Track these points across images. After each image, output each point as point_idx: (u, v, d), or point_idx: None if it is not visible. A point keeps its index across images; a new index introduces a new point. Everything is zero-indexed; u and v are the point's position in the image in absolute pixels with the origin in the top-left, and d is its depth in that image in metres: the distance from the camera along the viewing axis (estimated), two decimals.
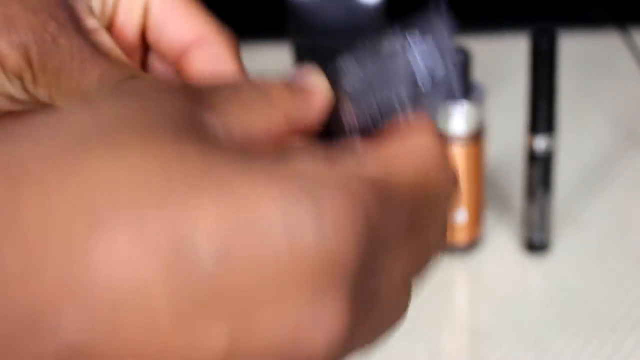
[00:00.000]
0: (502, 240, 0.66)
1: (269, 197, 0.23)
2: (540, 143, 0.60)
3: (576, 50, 0.83)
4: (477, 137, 0.60)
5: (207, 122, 0.25)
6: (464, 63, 0.58)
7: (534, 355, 0.59)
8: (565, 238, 0.66)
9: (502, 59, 0.82)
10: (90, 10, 0.34)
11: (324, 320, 0.24)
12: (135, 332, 0.23)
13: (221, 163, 0.24)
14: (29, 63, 0.32)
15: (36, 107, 0.34)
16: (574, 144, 0.73)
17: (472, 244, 0.64)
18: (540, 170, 0.61)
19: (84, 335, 0.23)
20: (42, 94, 0.33)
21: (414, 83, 0.34)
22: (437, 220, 0.29)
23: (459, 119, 0.59)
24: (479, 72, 0.80)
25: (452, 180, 0.29)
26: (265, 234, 0.23)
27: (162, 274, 0.22)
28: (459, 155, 0.61)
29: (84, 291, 0.22)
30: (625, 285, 0.63)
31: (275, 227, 0.23)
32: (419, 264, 0.29)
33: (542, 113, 0.59)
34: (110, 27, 0.34)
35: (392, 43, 0.35)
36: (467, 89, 0.59)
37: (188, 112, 0.25)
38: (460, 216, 0.63)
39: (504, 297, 0.62)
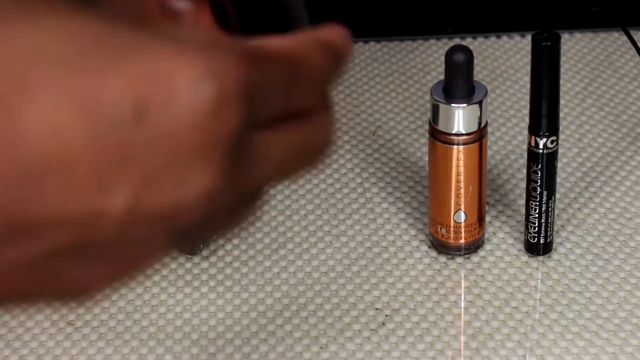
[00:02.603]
0: (503, 241, 0.66)
1: (175, 64, 0.26)
2: (542, 143, 0.60)
3: (578, 50, 0.83)
4: (478, 137, 0.60)
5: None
6: (465, 63, 0.58)
7: (536, 357, 0.59)
8: (567, 238, 0.66)
9: (502, 59, 0.82)
10: None
11: (201, 178, 0.27)
12: (56, 194, 0.25)
13: (129, 33, 0.26)
14: None
15: None
16: (575, 144, 0.73)
17: (472, 244, 0.64)
18: (541, 170, 0.60)
19: (6, 197, 0.25)
20: None
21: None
22: (318, 101, 0.31)
23: (459, 119, 0.59)
24: (480, 72, 0.80)
25: (331, 61, 0.32)
26: (172, 101, 0.26)
27: (84, 133, 0.25)
28: (459, 155, 0.60)
29: (10, 147, 0.25)
30: (629, 286, 0.62)
31: (182, 93, 0.26)
32: (303, 144, 0.31)
33: (544, 113, 0.59)
34: None
35: None
36: (468, 89, 0.59)
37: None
38: (461, 216, 0.63)
39: (504, 298, 0.62)
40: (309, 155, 0.32)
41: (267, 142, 0.29)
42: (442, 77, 0.61)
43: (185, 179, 0.26)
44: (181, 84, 0.26)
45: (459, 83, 0.59)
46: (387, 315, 0.61)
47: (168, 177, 0.26)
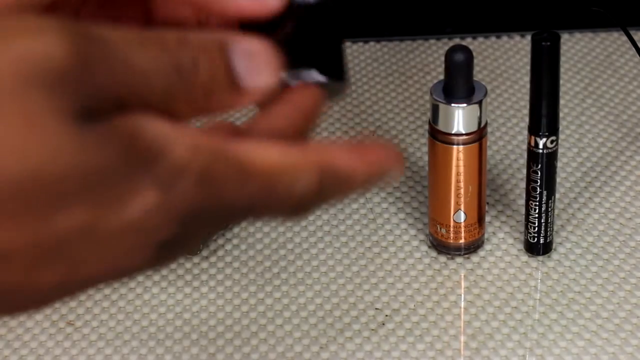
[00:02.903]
0: (502, 241, 0.66)
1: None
2: (542, 143, 0.60)
3: (578, 50, 0.83)
4: (477, 137, 0.60)
5: None
6: (465, 63, 0.58)
7: (536, 357, 0.59)
8: (567, 238, 0.66)
9: (502, 59, 0.82)
10: None
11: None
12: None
13: None
14: None
15: None
16: (575, 144, 0.73)
17: (472, 244, 0.64)
18: (541, 170, 0.60)
19: None
20: None
21: None
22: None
23: (459, 119, 0.59)
24: (480, 72, 0.80)
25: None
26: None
27: None
28: (459, 155, 0.60)
29: None
30: (628, 286, 0.62)
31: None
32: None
33: (543, 113, 0.59)
34: None
35: None
36: (467, 89, 0.59)
37: None
38: (461, 216, 0.63)
39: (504, 298, 0.62)
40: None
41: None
42: (442, 77, 0.61)
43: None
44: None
45: (458, 83, 0.59)
46: (387, 315, 0.61)
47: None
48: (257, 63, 0.34)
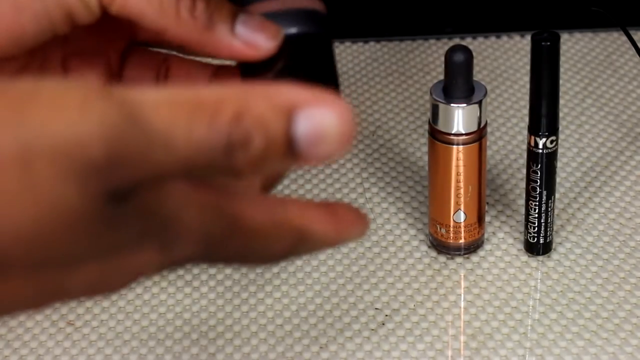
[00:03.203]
0: (502, 241, 0.66)
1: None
2: (542, 143, 0.60)
3: (578, 50, 0.83)
4: (477, 137, 0.60)
5: None
6: (465, 63, 0.58)
7: (536, 357, 0.59)
8: (567, 238, 0.66)
9: (502, 59, 0.82)
10: None
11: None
12: None
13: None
14: None
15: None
16: (575, 144, 0.73)
17: (472, 244, 0.64)
18: (541, 170, 0.60)
19: None
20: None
21: None
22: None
23: (459, 118, 0.59)
24: (479, 72, 0.80)
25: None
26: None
27: None
28: (459, 155, 0.60)
29: None
30: (628, 286, 0.62)
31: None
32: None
33: (543, 113, 0.59)
34: None
35: None
36: (467, 89, 0.59)
37: None
38: (461, 216, 0.63)
39: (504, 298, 0.62)
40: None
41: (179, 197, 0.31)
42: (441, 77, 0.61)
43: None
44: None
45: (458, 83, 0.59)
46: (387, 315, 0.61)
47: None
48: (324, 134, 0.33)
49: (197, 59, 0.48)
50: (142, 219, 0.31)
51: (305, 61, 0.44)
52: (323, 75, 0.44)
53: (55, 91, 0.30)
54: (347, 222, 0.35)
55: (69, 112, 0.29)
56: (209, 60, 0.45)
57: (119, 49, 0.49)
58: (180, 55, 0.49)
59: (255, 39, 0.42)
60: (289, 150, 0.32)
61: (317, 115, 0.33)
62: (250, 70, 0.44)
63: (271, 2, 0.44)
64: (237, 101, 0.31)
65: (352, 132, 0.33)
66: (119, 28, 0.48)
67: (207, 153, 0.31)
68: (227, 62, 0.45)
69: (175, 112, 0.31)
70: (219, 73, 0.49)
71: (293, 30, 0.44)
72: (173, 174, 0.31)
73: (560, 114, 0.66)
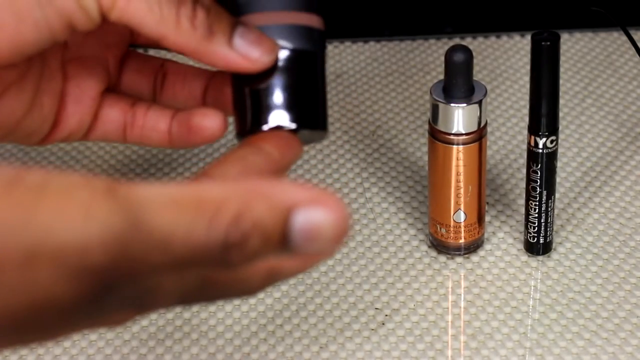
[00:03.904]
0: (502, 241, 0.66)
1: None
2: (542, 143, 0.60)
3: (578, 49, 0.83)
4: (477, 137, 0.60)
5: None
6: (465, 63, 0.58)
7: (536, 357, 0.59)
8: (567, 238, 0.66)
9: (502, 59, 0.82)
10: None
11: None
12: None
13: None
14: None
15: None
16: (575, 144, 0.73)
17: (472, 244, 0.64)
18: (541, 170, 0.60)
19: None
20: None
21: None
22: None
23: (459, 118, 0.59)
24: (479, 72, 0.80)
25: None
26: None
27: None
28: (459, 155, 0.60)
29: None
30: (628, 286, 0.62)
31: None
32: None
33: (543, 113, 0.59)
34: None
35: None
36: (467, 89, 0.59)
37: None
38: (461, 216, 0.63)
39: (504, 298, 0.62)
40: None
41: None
42: (441, 77, 0.61)
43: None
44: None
45: (458, 83, 0.59)
46: (386, 315, 0.61)
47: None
48: (319, 232, 0.34)
49: (193, 63, 0.48)
50: (127, 298, 0.32)
51: (296, 77, 0.45)
52: (310, 91, 0.45)
53: (61, 190, 0.30)
54: (314, 256, 0.36)
55: (74, 216, 0.30)
56: (205, 66, 0.45)
57: (117, 54, 0.49)
58: (177, 60, 0.50)
59: (251, 53, 0.43)
60: (284, 246, 0.33)
61: (313, 215, 0.34)
62: (243, 80, 0.45)
63: (269, 14, 0.44)
64: (238, 202, 0.32)
65: (346, 229, 0.35)
66: (118, 34, 0.48)
67: (203, 252, 0.32)
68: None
69: (178, 214, 0.31)
70: (214, 79, 0.49)
71: (288, 45, 0.44)
72: (166, 269, 0.32)
73: (560, 114, 0.66)
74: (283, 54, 0.44)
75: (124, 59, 0.49)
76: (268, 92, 0.44)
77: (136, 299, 0.33)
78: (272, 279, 0.36)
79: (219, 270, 0.34)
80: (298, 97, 0.44)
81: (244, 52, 0.43)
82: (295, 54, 0.44)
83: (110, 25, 0.43)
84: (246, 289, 0.36)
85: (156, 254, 0.31)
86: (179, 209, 0.32)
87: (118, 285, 0.31)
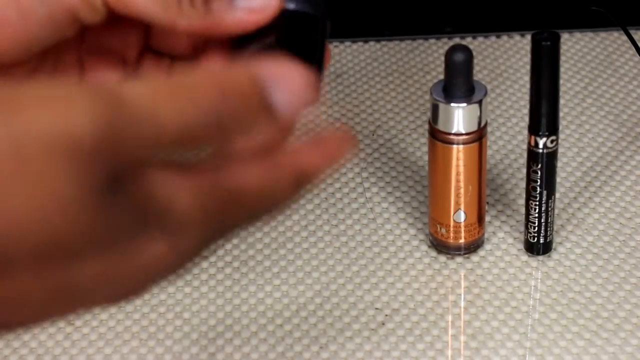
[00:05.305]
0: (502, 240, 0.66)
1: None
2: (542, 143, 0.60)
3: (578, 49, 0.83)
4: (477, 137, 0.60)
5: None
6: (465, 63, 0.58)
7: (536, 357, 0.59)
8: (567, 238, 0.66)
9: (502, 59, 0.82)
10: None
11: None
12: None
13: None
14: None
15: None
16: (575, 144, 0.73)
17: (472, 244, 0.64)
18: (541, 170, 0.60)
19: None
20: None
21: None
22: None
23: (459, 118, 0.59)
24: (479, 72, 0.80)
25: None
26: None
27: None
28: (459, 155, 0.60)
29: None
30: (628, 286, 0.62)
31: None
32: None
33: (543, 113, 0.59)
34: None
35: None
36: (467, 89, 0.59)
37: None
38: (461, 216, 0.63)
39: (504, 298, 0.62)
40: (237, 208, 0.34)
41: (170, 186, 0.32)
42: (441, 76, 0.61)
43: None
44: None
45: (458, 83, 0.59)
46: (386, 315, 0.61)
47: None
48: (292, 91, 0.35)
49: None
50: (135, 209, 0.31)
51: (296, 39, 0.45)
52: (310, 55, 0.45)
53: (40, 90, 0.30)
54: (337, 148, 0.37)
55: (56, 106, 0.30)
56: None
57: (135, 48, 0.49)
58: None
59: (255, 3, 0.43)
60: (270, 114, 0.34)
61: (278, 72, 0.35)
62: (242, 42, 0.45)
63: None
64: (216, 84, 0.33)
65: (314, 84, 0.36)
66: (135, 27, 0.48)
67: (197, 131, 0.32)
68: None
69: (158, 95, 0.32)
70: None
71: (291, 6, 0.45)
72: (166, 152, 0.32)
73: (560, 114, 0.66)
74: (286, 14, 0.44)
75: (142, 54, 0.49)
76: (267, 52, 0.44)
77: (151, 219, 0.32)
78: (300, 184, 0.36)
79: (217, 158, 0.34)
80: (297, 58, 0.44)
81: (249, 5, 0.43)
82: (298, 16, 0.45)
83: (125, 18, 0.44)
84: (276, 202, 0.35)
85: (149, 134, 0.31)
86: (159, 91, 0.32)
87: (118, 185, 0.31)
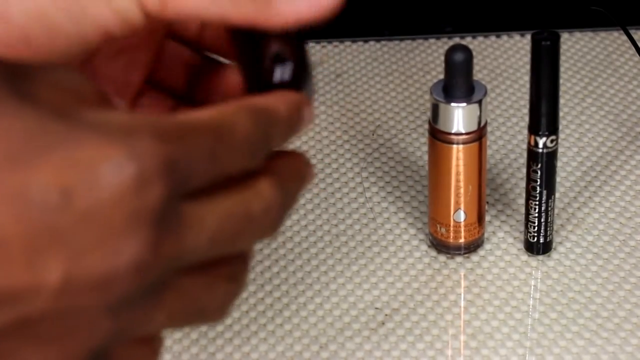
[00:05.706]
0: (502, 240, 0.66)
1: (96, 151, 0.30)
2: (542, 142, 0.60)
3: (578, 49, 0.83)
4: (477, 137, 0.60)
5: (26, 89, 0.31)
6: (465, 62, 0.58)
7: (536, 357, 0.59)
8: (567, 238, 0.66)
9: (502, 59, 0.82)
10: None
11: (129, 249, 0.30)
12: None
13: (54, 123, 0.30)
14: None
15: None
16: (575, 144, 0.73)
17: (472, 244, 0.64)
18: (541, 169, 0.60)
19: None
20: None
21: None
22: (253, 166, 0.35)
23: (459, 118, 0.59)
24: (479, 72, 0.80)
25: (262, 126, 0.35)
26: (96, 185, 0.29)
27: (15, 219, 0.28)
28: (459, 154, 0.60)
29: None
30: (628, 286, 0.62)
31: (105, 177, 0.29)
32: (240, 211, 0.35)
33: (543, 112, 0.59)
34: None
35: None
36: (467, 89, 0.59)
37: (5, 80, 0.30)
38: (461, 216, 0.63)
39: (504, 297, 0.62)
40: (251, 222, 0.35)
41: (200, 210, 0.33)
42: (441, 76, 0.61)
43: (114, 251, 0.30)
44: (103, 169, 0.29)
45: (458, 82, 0.59)
46: (386, 315, 0.61)
47: (97, 251, 0.30)
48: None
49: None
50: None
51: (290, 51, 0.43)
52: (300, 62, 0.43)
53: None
54: (292, 96, 0.38)
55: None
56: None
57: (137, 79, 0.47)
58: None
59: None
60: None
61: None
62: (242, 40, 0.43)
63: None
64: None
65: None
66: (138, 59, 0.47)
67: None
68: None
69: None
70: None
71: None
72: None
73: (560, 114, 0.66)
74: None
75: (160, 53, 0.48)
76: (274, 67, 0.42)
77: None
78: (260, 120, 0.36)
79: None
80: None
81: None
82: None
83: (170, 24, 0.43)
84: (241, 136, 0.36)
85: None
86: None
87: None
